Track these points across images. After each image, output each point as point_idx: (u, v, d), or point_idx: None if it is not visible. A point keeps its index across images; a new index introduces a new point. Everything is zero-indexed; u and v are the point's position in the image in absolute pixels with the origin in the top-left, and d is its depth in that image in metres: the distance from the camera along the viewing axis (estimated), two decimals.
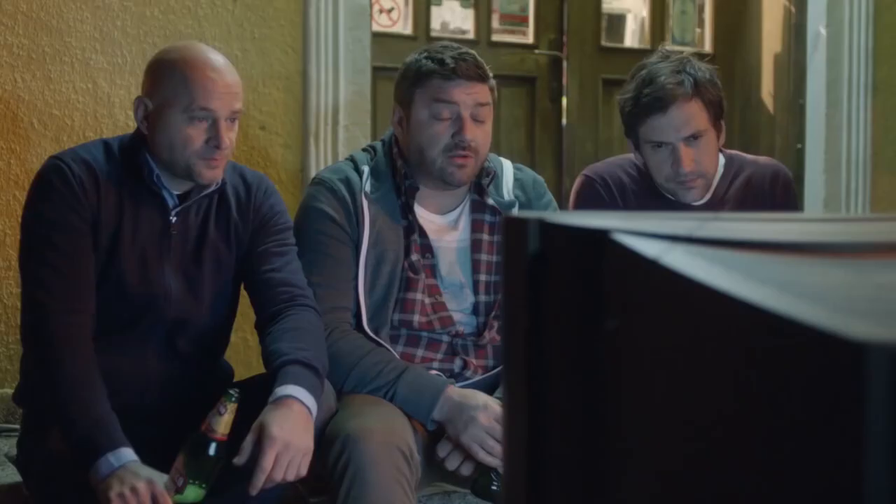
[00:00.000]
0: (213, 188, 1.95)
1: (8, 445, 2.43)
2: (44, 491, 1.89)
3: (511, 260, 0.71)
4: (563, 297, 0.66)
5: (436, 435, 2.02)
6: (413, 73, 2.12)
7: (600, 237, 0.63)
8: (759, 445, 0.50)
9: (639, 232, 0.63)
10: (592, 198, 2.25)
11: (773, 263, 0.60)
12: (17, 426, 2.29)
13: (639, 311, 0.61)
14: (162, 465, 1.73)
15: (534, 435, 0.68)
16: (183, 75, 1.86)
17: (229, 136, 1.88)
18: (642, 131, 2.17)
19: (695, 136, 2.14)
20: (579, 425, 0.65)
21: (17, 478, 2.08)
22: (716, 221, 0.65)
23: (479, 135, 2.09)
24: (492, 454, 1.93)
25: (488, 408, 1.95)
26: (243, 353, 2.68)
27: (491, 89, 2.13)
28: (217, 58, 1.91)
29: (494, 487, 1.95)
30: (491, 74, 2.14)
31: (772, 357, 0.49)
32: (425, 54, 2.12)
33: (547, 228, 0.67)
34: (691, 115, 2.13)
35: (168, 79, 1.87)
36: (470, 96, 2.07)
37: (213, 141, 1.87)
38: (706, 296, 0.54)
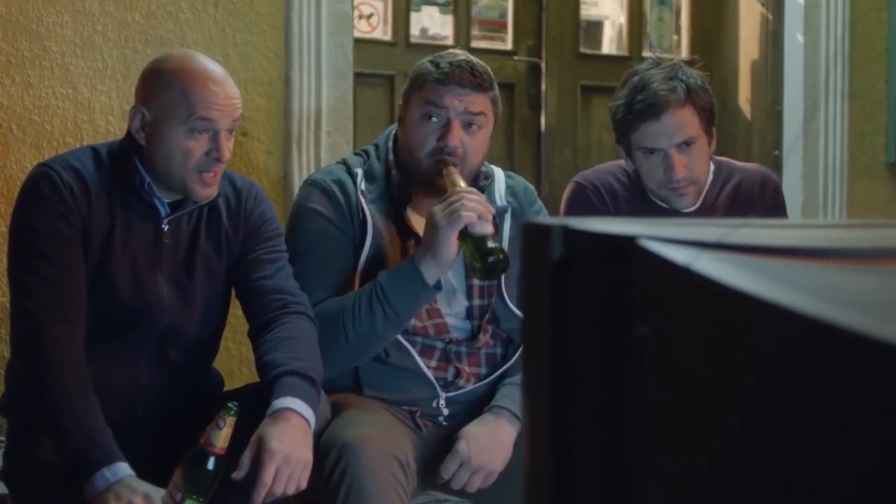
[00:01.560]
0: (203, 201, 1.93)
1: None
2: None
3: (533, 266, 0.70)
4: (587, 303, 0.65)
5: (432, 447, 2.01)
6: (414, 75, 2.14)
7: (626, 243, 0.63)
8: (796, 453, 0.49)
9: (666, 238, 0.62)
10: (584, 204, 2.25)
11: (804, 270, 0.59)
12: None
13: (668, 317, 0.60)
14: (152, 477, 1.71)
15: (557, 444, 0.67)
16: (183, 87, 1.84)
17: (228, 147, 1.87)
18: (634, 138, 2.17)
19: (687, 143, 2.15)
20: (605, 434, 0.64)
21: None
22: (745, 228, 0.64)
23: (469, 142, 2.10)
24: (465, 213, 1.92)
25: (432, 208, 1.97)
26: (225, 361, 2.66)
27: (492, 100, 2.13)
28: (216, 68, 1.90)
29: (491, 246, 1.91)
30: (492, 85, 2.14)
31: (812, 363, 0.49)
32: (430, 58, 2.14)
33: (571, 234, 0.67)
34: (684, 121, 2.13)
35: (167, 90, 1.85)
36: (461, 103, 2.08)
37: (214, 153, 1.86)
38: (742, 303, 0.54)
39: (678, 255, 0.59)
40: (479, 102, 2.09)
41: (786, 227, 0.72)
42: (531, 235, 0.70)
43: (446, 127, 2.08)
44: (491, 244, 1.92)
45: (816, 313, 0.48)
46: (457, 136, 2.07)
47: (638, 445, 0.62)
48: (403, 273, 1.99)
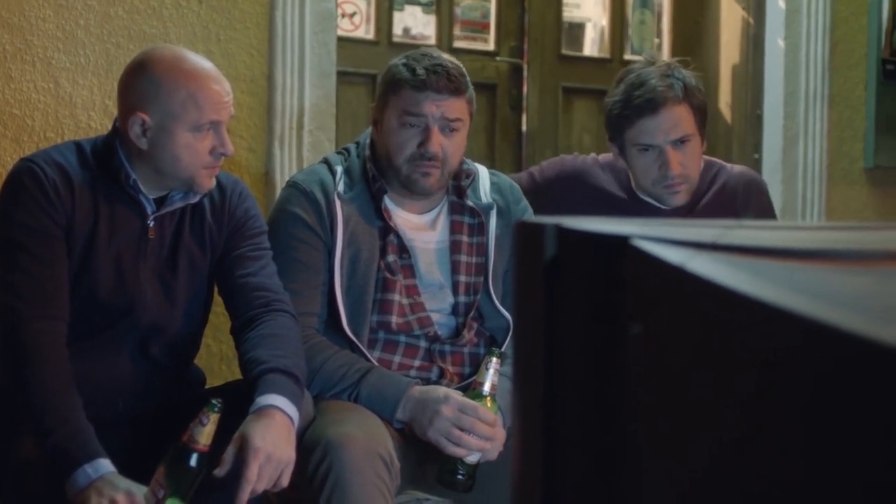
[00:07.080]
0: (198, 196, 1.93)
1: None
2: (14, 501, 1.84)
3: (525, 265, 0.70)
4: (579, 303, 0.65)
5: (414, 446, 2.02)
6: (389, 79, 2.13)
7: (620, 243, 0.63)
8: (790, 455, 0.49)
9: (659, 238, 0.62)
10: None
11: (798, 271, 0.59)
12: None
13: (661, 317, 0.60)
14: (134, 473, 1.70)
15: (548, 444, 0.67)
16: (189, 90, 1.84)
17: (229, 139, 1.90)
18: (630, 134, 2.19)
19: (682, 140, 2.17)
20: (596, 434, 0.64)
21: None
22: (739, 229, 0.64)
23: (449, 145, 2.11)
24: (458, 445, 1.94)
25: (450, 399, 1.96)
26: (206, 358, 2.65)
27: (468, 101, 2.14)
28: (209, 65, 1.90)
29: (460, 477, 1.96)
30: (468, 86, 2.14)
31: (807, 364, 0.49)
32: (404, 60, 2.13)
33: (563, 234, 0.67)
34: (680, 118, 2.16)
35: (171, 94, 1.84)
36: (439, 109, 2.08)
37: (220, 148, 1.87)
38: (736, 303, 0.54)
39: (672, 255, 0.59)
40: (456, 107, 2.10)
41: (780, 229, 0.72)
42: (523, 234, 0.70)
43: (425, 133, 2.09)
44: (466, 467, 1.95)
45: (811, 314, 0.49)
46: (436, 143, 2.09)
47: (629, 446, 0.62)
48: (380, 399, 1.99)
